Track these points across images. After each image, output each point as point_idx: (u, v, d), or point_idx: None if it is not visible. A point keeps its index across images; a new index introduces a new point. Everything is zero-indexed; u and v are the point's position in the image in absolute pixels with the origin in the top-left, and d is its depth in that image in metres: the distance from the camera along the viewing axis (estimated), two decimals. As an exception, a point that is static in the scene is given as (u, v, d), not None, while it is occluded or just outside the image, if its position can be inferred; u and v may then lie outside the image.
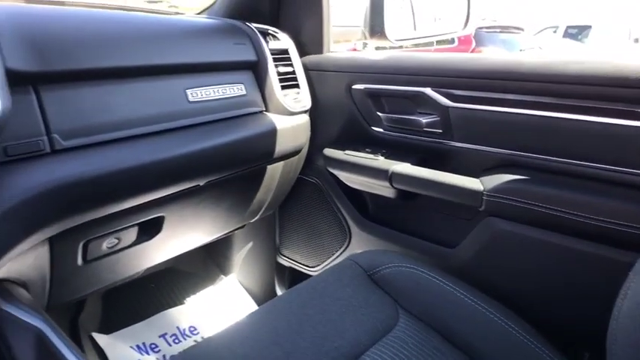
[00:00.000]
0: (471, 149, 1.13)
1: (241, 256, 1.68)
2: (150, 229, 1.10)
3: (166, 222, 1.10)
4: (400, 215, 1.32)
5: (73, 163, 0.85)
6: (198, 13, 1.52)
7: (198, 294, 1.65)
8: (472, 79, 1.08)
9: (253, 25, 1.28)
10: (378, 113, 1.27)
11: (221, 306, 1.62)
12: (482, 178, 1.08)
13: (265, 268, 1.66)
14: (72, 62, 0.88)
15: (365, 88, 1.27)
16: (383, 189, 1.25)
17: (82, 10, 1.02)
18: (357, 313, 0.94)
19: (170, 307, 1.57)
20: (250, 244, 1.65)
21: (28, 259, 0.85)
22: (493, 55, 1.14)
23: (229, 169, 1.15)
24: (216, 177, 1.13)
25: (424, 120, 1.18)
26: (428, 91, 1.14)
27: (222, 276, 1.72)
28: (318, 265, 1.50)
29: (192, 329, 1.52)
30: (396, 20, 1.55)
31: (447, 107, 1.12)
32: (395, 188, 1.21)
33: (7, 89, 0.75)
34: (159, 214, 1.07)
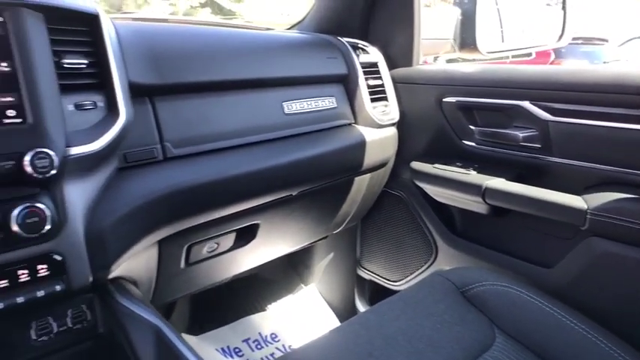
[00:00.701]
0: (572, 165, 1.08)
1: (322, 266, 1.69)
2: (246, 236, 1.14)
3: (260, 229, 1.14)
4: (491, 232, 1.28)
5: (183, 170, 0.90)
6: (288, 29, 1.57)
7: (278, 302, 1.68)
8: (574, 92, 1.04)
9: (344, 40, 1.30)
10: (471, 127, 1.25)
11: (301, 315, 1.64)
12: (585, 196, 1.03)
13: (345, 280, 1.66)
14: (182, 76, 0.93)
15: (457, 101, 1.25)
16: (474, 204, 1.21)
17: (190, 27, 1.09)
18: (452, 329, 0.92)
19: (252, 313, 1.61)
20: (331, 256, 1.66)
21: (140, 260, 0.90)
22: (596, 67, 1.09)
23: (320, 179, 1.17)
24: (307, 187, 1.15)
25: (521, 134, 1.14)
26: (526, 104, 1.11)
27: (302, 285, 1.75)
28: (401, 280, 1.48)
29: (273, 336, 1.55)
30: (486, 32, 1.52)
31: (547, 121, 1.08)
32: (488, 204, 1.17)
33: (130, 101, 0.81)
34: (254, 222, 1.11)
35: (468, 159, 1.27)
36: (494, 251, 1.25)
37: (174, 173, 0.89)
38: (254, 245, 1.17)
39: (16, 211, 0.65)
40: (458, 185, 1.22)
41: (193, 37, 1.02)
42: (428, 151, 1.36)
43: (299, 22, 1.53)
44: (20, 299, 0.66)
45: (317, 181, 1.17)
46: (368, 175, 1.34)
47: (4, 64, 0.67)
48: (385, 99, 1.32)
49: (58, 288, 0.69)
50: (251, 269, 1.39)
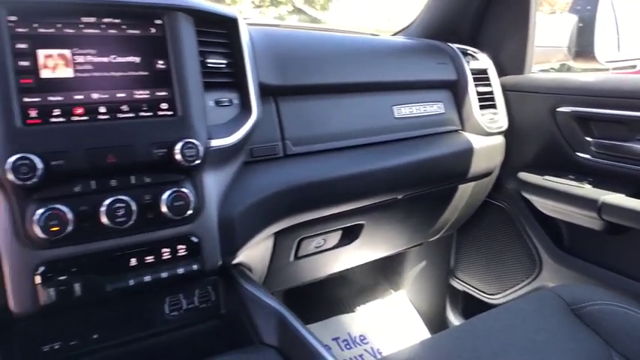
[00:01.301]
0: None
1: (413, 273, 1.68)
2: (351, 235, 1.16)
3: (364, 229, 1.16)
4: (603, 249, 1.21)
5: (301, 168, 0.95)
6: (394, 34, 1.59)
7: (367, 304, 1.69)
8: None
9: (454, 45, 1.30)
10: (587, 138, 1.19)
11: (389, 320, 1.64)
12: None
13: (437, 289, 1.64)
14: (304, 78, 0.98)
15: (572, 111, 1.20)
16: (587, 220, 1.15)
17: (310, 32, 1.14)
18: (566, 346, 0.88)
19: (342, 314, 1.63)
20: (424, 264, 1.65)
21: (257, 250, 0.96)
22: None
23: (425, 185, 1.18)
24: (412, 192, 1.16)
25: (646, 148, 1.07)
26: None
27: (391, 291, 1.75)
28: (499, 294, 1.43)
29: (362, 338, 1.56)
30: (605, 41, 1.44)
31: None
32: (603, 220, 1.11)
33: (259, 100, 0.86)
34: (360, 222, 1.13)
35: (581, 172, 1.21)
36: (606, 269, 1.18)
37: (293, 170, 0.93)
38: (356, 245, 1.19)
39: (165, 195, 0.71)
40: (570, 199, 1.16)
41: (314, 41, 1.07)
42: (537, 162, 1.32)
43: (406, 28, 1.54)
44: (164, 274, 0.73)
45: (422, 187, 1.17)
46: (472, 184, 1.32)
47: (161, 62, 0.75)
48: (494, 106, 1.30)
49: (195, 267, 0.75)
50: (341, 270, 1.41)
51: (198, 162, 0.73)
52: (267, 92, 0.91)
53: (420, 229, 1.36)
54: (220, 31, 0.83)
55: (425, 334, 1.61)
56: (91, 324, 0.76)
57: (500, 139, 1.31)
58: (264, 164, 0.91)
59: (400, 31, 1.56)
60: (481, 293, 1.49)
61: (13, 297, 0.65)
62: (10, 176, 0.61)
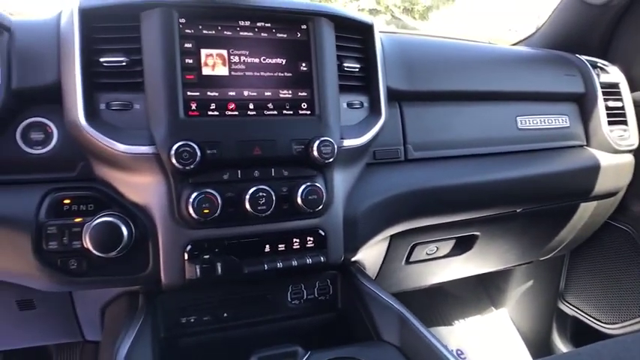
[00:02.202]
0: None
1: (517, 292, 1.61)
2: (464, 245, 1.15)
3: (478, 241, 1.14)
4: None
5: (421, 172, 0.95)
6: (515, 44, 1.55)
7: (466, 319, 1.65)
8: None
9: (583, 57, 1.24)
10: None
11: (488, 336, 1.59)
12: None
13: (542, 310, 1.56)
14: (429, 84, 0.99)
15: None
16: None
17: (435, 39, 1.15)
18: None
19: (439, 325, 1.61)
20: (530, 283, 1.58)
21: (372, 250, 0.98)
22: None
23: (545, 200, 1.13)
24: (532, 206, 1.12)
25: None
26: None
27: (492, 307, 1.69)
28: (616, 324, 1.33)
29: (459, 352, 1.53)
30: None
31: None
32: None
33: (387, 104, 0.89)
34: (475, 233, 1.12)
35: None
36: None
37: (413, 174, 0.95)
38: (468, 256, 1.17)
39: (302, 188, 0.76)
40: None
41: (440, 48, 1.08)
42: (671, 185, 1.21)
43: (527, 38, 1.49)
44: (294, 262, 0.77)
45: (542, 201, 1.13)
46: (594, 203, 1.24)
47: (304, 65, 0.80)
48: (624, 122, 1.22)
49: (322, 259, 0.79)
50: (440, 282, 1.39)
51: (331, 159, 0.77)
52: (393, 97, 0.94)
53: (534, 246, 1.31)
54: (356, 36, 0.87)
55: (526, 356, 1.54)
56: (222, 303, 0.82)
57: (629, 158, 1.22)
58: (386, 167, 0.93)
59: (521, 41, 1.51)
60: (594, 321, 1.40)
61: (164, 270, 0.73)
62: (174, 160, 0.68)
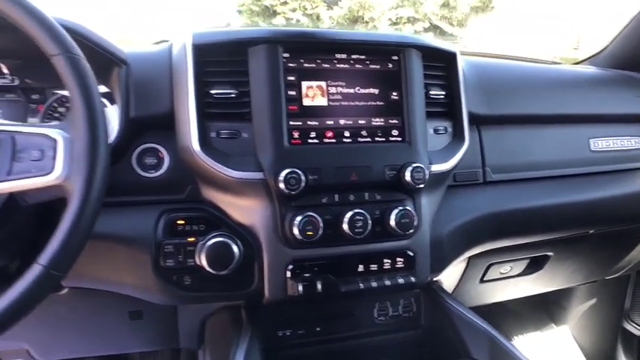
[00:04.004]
0: None
1: (580, 310, 1.61)
2: (536, 264, 1.17)
3: (550, 261, 1.16)
4: None
5: (499, 195, 0.98)
6: (577, 63, 1.55)
7: (525, 335, 1.65)
8: None
9: None
10: None
11: (549, 354, 1.59)
12: None
13: (607, 329, 1.55)
14: (508, 108, 1.02)
15: None
16: None
17: (509, 62, 1.17)
18: None
19: (498, 341, 1.61)
20: (594, 301, 1.57)
21: (450, 271, 1.01)
22: None
23: (619, 222, 1.14)
24: (605, 227, 1.13)
25: None
26: None
27: (552, 325, 1.68)
28: (689, 346, 1.32)
29: (521, 369, 1.53)
30: None
31: None
32: None
33: (469, 128, 0.92)
34: (547, 253, 1.13)
35: None
36: None
37: (492, 196, 0.97)
38: (539, 275, 1.19)
39: (395, 212, 0.80)
40: None
41: (514, 71, 1.10)
42: None
43: (591, 57, 1.49)
44: (387, 282, 0.82)
45: (616, 223, 1.14)
46: (666, 225, 1.24)
47: (395, 94, 0.84)
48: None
49: (412, 279, 0.83)
50: (507, 300, 1.40)
51: (422, 185, 0.81)
52: (472, 121, 0.97)
53: (602, 265, 1.31)
54: (440, 64, 0.91)
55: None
56: (315, 318, 0.87)
57: None
58: (466, 189, 0.97)
59: (586, 60, 1.51)
60: (663, 342, 1.38)
61: (268, 286, 0.78)
62: (282, 186, 0.74)
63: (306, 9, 11.14)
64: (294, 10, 11.07)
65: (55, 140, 0.56)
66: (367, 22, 11.01)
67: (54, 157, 0.56)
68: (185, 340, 0.96)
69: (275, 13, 10.91)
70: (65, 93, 0.86)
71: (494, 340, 0.78)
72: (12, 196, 0.57)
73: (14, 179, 0.56)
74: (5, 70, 0.86)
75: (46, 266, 0.53)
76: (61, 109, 0.85)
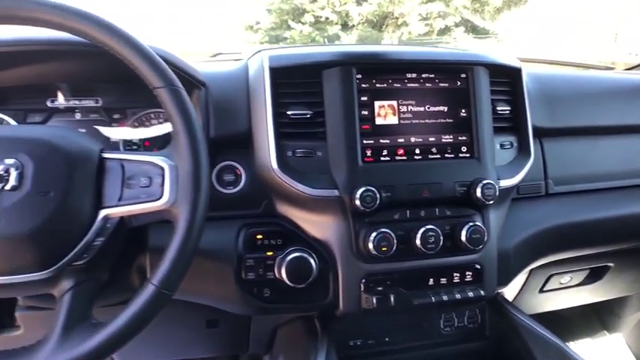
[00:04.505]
0: None
1: (635, 318, 1.59)
2: (596, 275, 1.17)
3: (610, 271, 1.16)
4: None
5: (562, 207, 0.99)
6: (631, 68, 1.52)
7: (576, 342, 1.64)
8: None
9: None
10: None
11: (601, 362, 1.58)
12: None
13: (664, 337, 1.53)
14: (568, 120, 1.02)
15: None
16: None
17: (572, 73, 1.17)
18: None
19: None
20: (649, 309, 1.55)
21: (513, 281, 1.02)
22: None
23: None
24: None
25: None
26: None
27: (604, 332, 1.67)
28: None
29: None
30: None
31: None
32: None
33: (533, 143, 0.93)
34: (608, 264, 1.13)
35: None
36: None
37: (555, 209, 0.98)
38: (598, 284, 1.19)
39: (465, 227, 0.82)
40: None
41: (575, 82, 1.10)
42: None
43: (647, 62, 1.47)
44: (458, 296, 0.84)
45: None
46: None
47: (463, 111, 0.86)
48: None
49: (482, 293, 0.85)
50: (563, 308, 1.40)
51: (492, 201, 0.83)
52: (535, 134, 0.98)
53: (662, 275, 1.29)
54: (506, 80, 0.92)
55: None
56: (384, 328, 0.90)
57: None
58: (529, 202, 0.98)
59: (637, 66, 1.49)
60: None
61: (343, 299, 0.81)
62: (357, 203, 0.77)
63: (335, 6, 11.11)
64: (322, 8, 11.04)
65: (162, 168, 0.60)
66: (397, 18, 10.91)
67: (162, 184, 0.60)
68: (254, 346, 1.00)
69: (304, 12, 10.93)
70: (145, 112, 0.90)
71: (564, 354, 0.79)
72: (122, 219, 0.62)
73: (125, 204, 0.60)
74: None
75: (158, 286, 0.57)
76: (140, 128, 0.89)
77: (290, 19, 10.82)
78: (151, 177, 0.60)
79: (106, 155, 0.62)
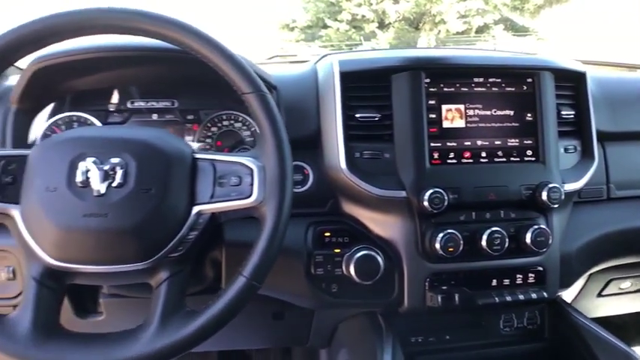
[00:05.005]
0: None
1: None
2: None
3: None
4: None
5: (624, 211, 0.99)
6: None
7: (631, 346, 1.61)
8: None
9: None
10: None
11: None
12: None
13: None
14: (632, 124, 1.02)
15: None
16: None
17: (632, 76, 1.16)
18: None
19: None
20: None
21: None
22: None
23: None
24: None
25: None
26: None
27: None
28: None
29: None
30: None
31: None
32: None
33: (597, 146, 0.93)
34: None
35: None
36: None
37: (617, 213, 0.98)
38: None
39: (530, 230, 0.83)
40: None
41: (636, 84, 1.09)
42: None
43: None
44: (521, 297, 0.85)
45: None
46: None
47: (529, 115, 0.87)
48: None
49: (545, 294, 0.86)
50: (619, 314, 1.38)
51: (557, 205, 0.84)
52: (598, 138, 0.98)
53: None
54: (570, 84, 0.93)
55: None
56: (445, 326, 0.93)
57: None
58: (591, 206, 0.98)
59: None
60: None
61: (408, 297, 0.84)
62: (426, 204, 0.79)
63: (372, 4, 11.08)
64: (359, 6, 11.05)
65: (251, 169, 0.64)
66: (434, 16, 10.81)
67: (251, 184, 0.64)
68: (315, 339, 1.04)
69: (341, 9, 10.94)
70: (216, 113, 0.95)
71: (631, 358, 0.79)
72: (213, 215, 0.66)
73: (217, 201, 0.64)
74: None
75: (249, 278, 0.62)
76: (213, 129, 0.94)
77: (326, 17, 10.87)
78: (241, 176, 0.64)
79: (198, 156, 0.67)
